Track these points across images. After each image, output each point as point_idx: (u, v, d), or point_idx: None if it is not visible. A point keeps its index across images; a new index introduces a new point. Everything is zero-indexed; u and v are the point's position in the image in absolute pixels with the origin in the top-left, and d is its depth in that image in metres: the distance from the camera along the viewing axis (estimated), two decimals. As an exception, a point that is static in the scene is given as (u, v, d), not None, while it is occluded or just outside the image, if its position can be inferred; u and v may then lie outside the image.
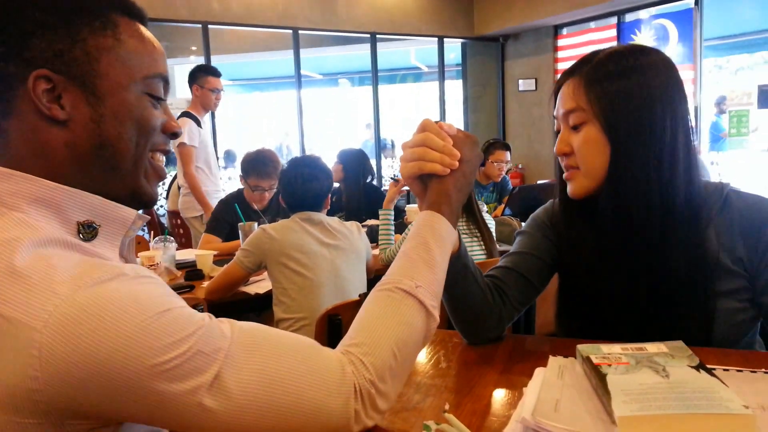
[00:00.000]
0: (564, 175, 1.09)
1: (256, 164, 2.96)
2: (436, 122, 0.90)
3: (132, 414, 0.59)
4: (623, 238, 1.03)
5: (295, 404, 0.64)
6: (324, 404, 0.65)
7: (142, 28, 0.75)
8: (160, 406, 0.59)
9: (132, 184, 0.73)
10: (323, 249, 2.09)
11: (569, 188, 1.08)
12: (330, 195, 2.27)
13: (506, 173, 4.24)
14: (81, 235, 0.68)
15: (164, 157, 0.79)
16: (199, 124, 3.80)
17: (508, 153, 4.03)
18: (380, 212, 2.63)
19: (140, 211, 0.75)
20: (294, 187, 2.15)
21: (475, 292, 1.03)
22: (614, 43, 6.31)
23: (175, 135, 0.77)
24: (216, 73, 3.85)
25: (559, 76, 1.11)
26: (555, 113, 1.09)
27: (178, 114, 3.81)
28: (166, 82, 0.76)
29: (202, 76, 3.81)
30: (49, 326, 0.55)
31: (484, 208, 2.58)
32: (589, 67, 1.03)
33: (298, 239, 2.07)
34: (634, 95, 0.98)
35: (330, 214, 3.66)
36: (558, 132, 1.09)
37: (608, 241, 1.05)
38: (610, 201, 1.03)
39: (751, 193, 1.07)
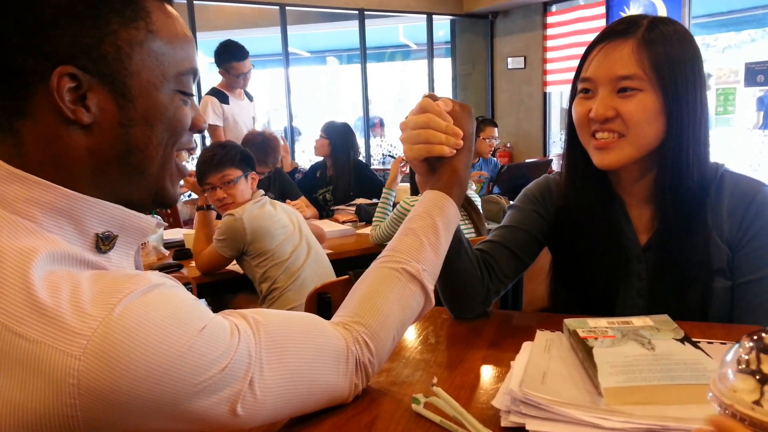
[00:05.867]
0: (595, 144, 1.01)
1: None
2: (429, 95, 0.89)
3: (162, 428, 0.57)
4: (660, 214, 1.03)
5: (310, 390, 0.68)
6: (334, 384, 0.71)
7: (172, 12, 0.67)
8: (194, 417, 0.58)
9: (156, 186, 0.68)
10: (290, 223, 2.23)
11: (603, 157, 1.00)
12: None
13: (493, 154, 4.33)
14: (99, 248, 0.63)
15: (188, 154, 0.74)
16: (225, 100, 3.69)
17: (495, 129, 4.15)
18: (384, 190, 2.72)
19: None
20: None
21: (466, 267, 1.03)
22: (603, 21, 6.28)
23: (200, 131, 0.72)
24: (240, 57, 3.64)
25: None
26: (589, 75, 1.00)
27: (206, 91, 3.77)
28: (195, 74, 0.70)
29: (226, 61, 3.63)
30: (88, 352, 0.51)
31: (473, 186, 2.59)
32: (643, 30, 0.97)
33: (271, 222, 2.15)
34: (688, 63, 0.97)
35: (315, 189, 3.69)
36: (577, 94, 1.03)
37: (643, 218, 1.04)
38: (666, 176, 1.00)
39: (744, 175, 1.07)
